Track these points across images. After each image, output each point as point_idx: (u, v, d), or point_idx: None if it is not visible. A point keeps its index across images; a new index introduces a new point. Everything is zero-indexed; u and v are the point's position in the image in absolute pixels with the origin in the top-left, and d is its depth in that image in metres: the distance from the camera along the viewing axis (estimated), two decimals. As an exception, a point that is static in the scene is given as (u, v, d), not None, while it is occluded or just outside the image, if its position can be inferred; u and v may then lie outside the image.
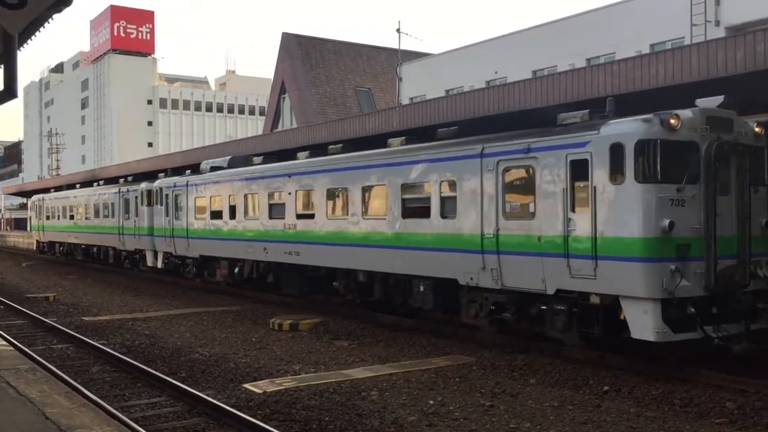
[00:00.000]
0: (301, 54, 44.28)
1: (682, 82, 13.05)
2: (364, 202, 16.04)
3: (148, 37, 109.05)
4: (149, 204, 27.42)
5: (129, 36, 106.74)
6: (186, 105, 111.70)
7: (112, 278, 29.94)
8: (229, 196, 21.59)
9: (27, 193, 68.76)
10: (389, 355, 13.22)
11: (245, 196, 20.84)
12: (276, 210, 19.39)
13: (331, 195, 17.28)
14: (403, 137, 16.23)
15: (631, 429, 8.68)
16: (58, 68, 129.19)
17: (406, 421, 9.06)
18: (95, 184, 36.59)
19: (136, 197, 28.89)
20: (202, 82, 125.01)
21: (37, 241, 45.71)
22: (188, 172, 25.76)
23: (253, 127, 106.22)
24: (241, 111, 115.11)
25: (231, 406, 9.36)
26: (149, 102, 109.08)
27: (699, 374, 10.53)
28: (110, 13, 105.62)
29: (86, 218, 35.28)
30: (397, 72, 40.39)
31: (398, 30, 42.13)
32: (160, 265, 27.13)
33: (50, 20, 7.61)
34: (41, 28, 7.96)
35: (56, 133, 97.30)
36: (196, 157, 31.72)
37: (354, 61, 46.48)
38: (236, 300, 21.69)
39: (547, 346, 12.88)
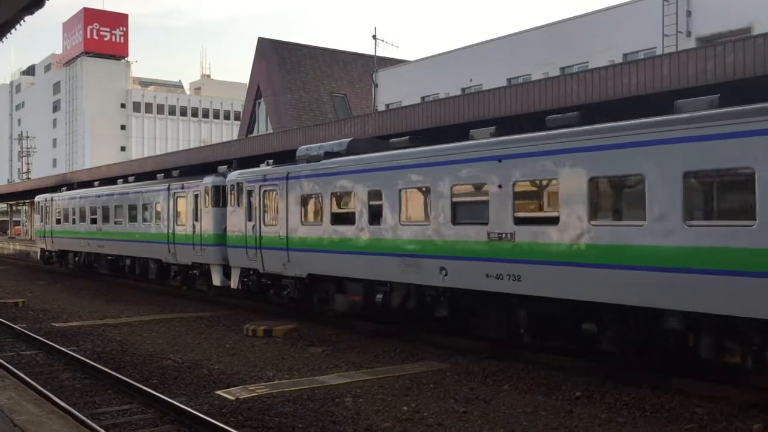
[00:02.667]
0: (277, 59, 44.20)
1: (653, 92, 13.28)
2: (687, 197, 9.90)
3: (122, 40, 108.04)
4: (217, 204, 21.15)
5: (102, 39, 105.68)
6: (160, 109, 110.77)
7: (84, 284, 29.56)
8: (368, 191, 15.11)
9: (-4, 197, 67.63)
10: (364, 361, 13.20)
11: (401, 191, 14.39)
12: (467, 211, 13.18)
13: (603, 187, 11.11)
14: (715, 94, 10.55)
15: (602, 434, 8.76)
16: (30, 71, 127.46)
17: (380, 428, 9.06)
18: (120, 181, 30.26)
19: (197, 196, 22.25)
20: (177, 87, 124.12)
21: (42, 249, 38.13)
22: (269, 161, 19.42)
23: (228, 132, 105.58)
24: (216, 116, 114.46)
25: (203, 413, 9.27)
26: (122, 106, 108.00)
27: (669, 380, 10.66)
28: (83, 16, 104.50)
29: (116, 222, 28.22)
30: (373, 78, 40.47)
31: (374, 36, 42.03)
32: (234, 285, 20.00)
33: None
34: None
35: (27, 137, 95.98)
36: (171, 161, 31.58)
37: (330, 66, 46.50)
38: (210, 306, 21.53)
39: (521, 353, 12.95)
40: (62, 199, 34.90)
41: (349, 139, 17.21)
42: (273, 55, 44.40)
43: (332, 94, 45.32)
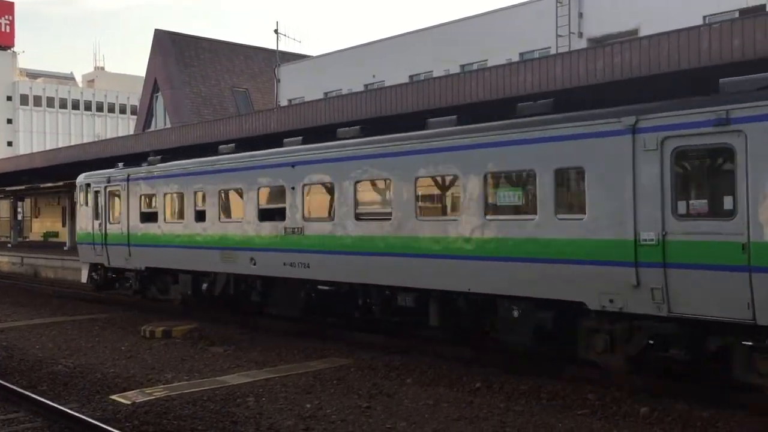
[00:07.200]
0: (175, 52, 42.97)
1: (548, 90, 13.73)
2: None
3: (8, 30, 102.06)
4: None
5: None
6: (50, 102, 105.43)
7: (-34, 287, 27.82)
8: None
9: None
10: (267, 359, 13.03)
11: None
12: None
13: None
14: None
15: (501, 423, 8.99)
16: None
17: (282, 427, 8.96)
18: (286, 144, 15.55)
19: None
20: (68, 79, 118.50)
21: (94, 266, 21.21)
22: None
23: (124, 126, 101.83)
24: (111, 110, 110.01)
25: (96, 419, 8.90)
26: (9, 98, 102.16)
27: (563, 369, 11.06)
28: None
29: (361, 217, 13.23)
30: (275, 73, 40.01)
31: (276, 31, 41.51)
32: None
33: None
34: None
35: None
36: (61, 157, 30.15)
37: (231, 60, 45.62)
38: (105, 307, 20.70)
39: (426, 346, 13.12)
40: (161, 176, 18.38)
41: None
42: (170, 47, 43.13)
43: (233, 89, 44.50)
